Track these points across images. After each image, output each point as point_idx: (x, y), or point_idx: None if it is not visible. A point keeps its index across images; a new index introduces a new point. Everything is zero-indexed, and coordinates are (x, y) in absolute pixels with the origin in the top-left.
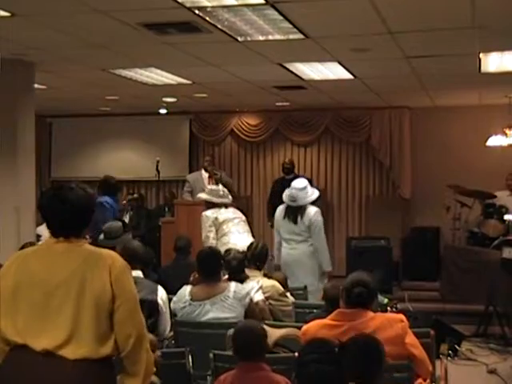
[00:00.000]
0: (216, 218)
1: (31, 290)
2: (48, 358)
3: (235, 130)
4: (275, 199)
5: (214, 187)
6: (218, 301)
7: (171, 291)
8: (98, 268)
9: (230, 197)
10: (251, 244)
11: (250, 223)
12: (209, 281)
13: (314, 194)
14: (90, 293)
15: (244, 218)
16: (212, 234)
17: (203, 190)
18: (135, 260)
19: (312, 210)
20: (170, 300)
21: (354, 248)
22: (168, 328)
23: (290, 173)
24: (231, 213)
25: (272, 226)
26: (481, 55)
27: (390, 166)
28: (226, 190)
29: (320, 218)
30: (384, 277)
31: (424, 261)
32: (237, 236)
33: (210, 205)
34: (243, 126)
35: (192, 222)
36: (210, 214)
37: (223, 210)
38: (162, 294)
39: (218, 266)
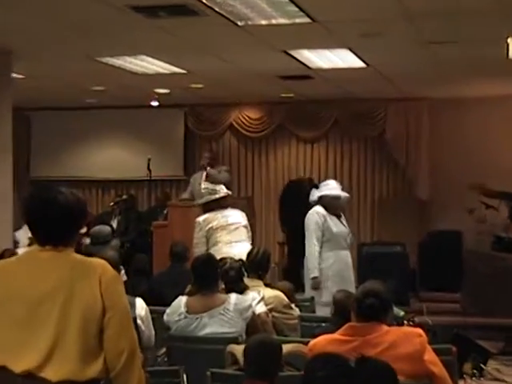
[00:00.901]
0: (210, 228)
1: (12, 304)
2: (28, 380)
3: (235, 124)
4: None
5: (205, 185)
6: (217, 314)
7: (165, 302)
8: (88, 278)
9: (225, 189)
10: (251, 251)
11: (252, 227)
12: (206, 291)
13: (312, 196)
14: (77, 305)
15: (245, 223)
16: (203, 247)
17: (199, 190)
18: None
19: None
20: (163, 312)
21: (366, 255)
22: (151, 344)
23: None
24: (231, 217)
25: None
26: (509, 40)
27: (406, 164)
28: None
29: (311, 219)
30: (399, 287)
31: (444, 269)
32: (228, 246)
33: (208, 207)
34: (244, 120)
35: (187, 226)
36: (202, 221)
37: (225, 212)
38: (140, 308)
39: (216, 275)
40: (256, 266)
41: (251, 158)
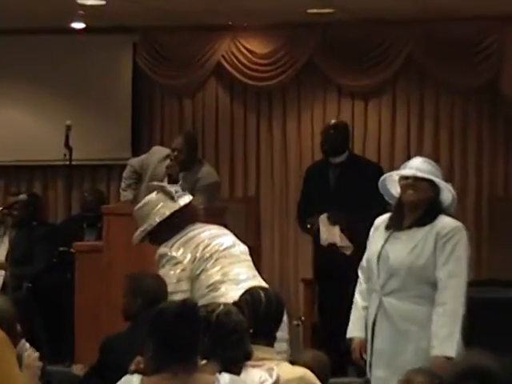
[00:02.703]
0: (196, 258)
1: None
2: None
3: (225, 64)
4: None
5: (136, 209)
6: None
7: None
8: None
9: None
10: (253, 297)
11: (256, 250)
12: (177, 370)
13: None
14: None
15: (243, 245)
16: (186, 294)
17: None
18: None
19: None
20: None
21: (471, 303)
22: None
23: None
24: (222, 238)
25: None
26: None
27: None
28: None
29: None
30: None
31: None
32: (238, 289)
33: (173, 223)
34: (241, 58)
35: (139, 249)
36: (176, 249)
37: (206, 228)
38: None
39: (195, 340)
40: (265, 324)
41: (254, 128)
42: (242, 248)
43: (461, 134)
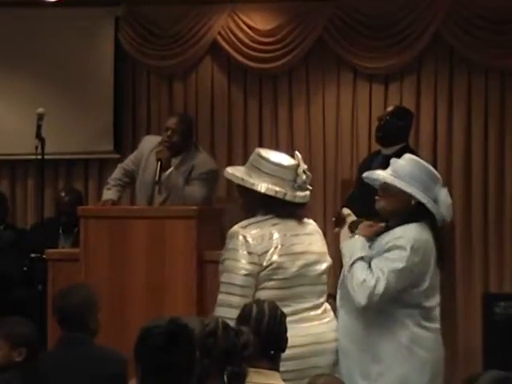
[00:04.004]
0: (271, 262)
1: None
2: None
3: (222, 42)
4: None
5: (263, 154)
6: None
7: None
8: None
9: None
10: (250, 313)
11: None
12: None
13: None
14: None
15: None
16: (239, 305)
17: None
18: None
19: None
20: None
21: (500, 317)
22: None
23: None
24: (307, 240)
25: None
26: None
27: None
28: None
29: None
30: None
31: None
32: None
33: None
34: (241, 35)
35: (124, 258)
36: (251, 237)
37: (295, 227)
38: None
39: (190, 366)
40: (266, 342)
41: (256, 116)
42: (321, 268)
43: (496, 122)
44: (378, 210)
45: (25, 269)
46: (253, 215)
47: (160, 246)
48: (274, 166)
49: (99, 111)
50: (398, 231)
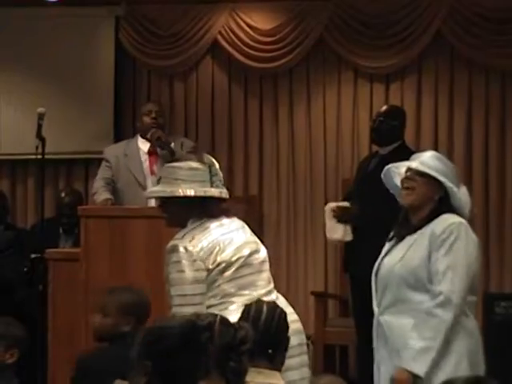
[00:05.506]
0: (215, 264)
1: None
2: None
3: (222, 41)
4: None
5: (174, 165)
6: None
7: None
8: None
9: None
10: (248, 311)
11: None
12: None
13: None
14: None
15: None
16: (197, 307)
17: (138, 182)
18: None
19: None
20: None
21: (500, 317)
22: None
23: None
24: (241, 233)
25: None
26: None
27: None
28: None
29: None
30: None
31: None
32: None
33: (189, 212)
34: (242, 34)
35: (124, 258)
36: (191, 245)
37: (225, 225)
38: None
39: (199, 365)
40: (266, 341)
41: (257, 116)
42: (262, 256)
43: (498, 122)
44: (406, 206)
45: (25, 269)
46: (184, 226)
47: (160, 246)
48: (188, 171)
49: (99, 111)
50: (444, 218)
